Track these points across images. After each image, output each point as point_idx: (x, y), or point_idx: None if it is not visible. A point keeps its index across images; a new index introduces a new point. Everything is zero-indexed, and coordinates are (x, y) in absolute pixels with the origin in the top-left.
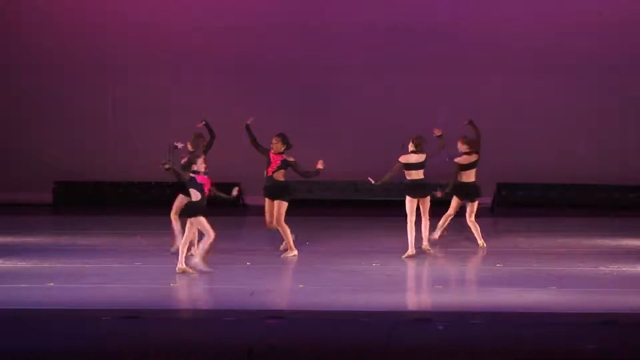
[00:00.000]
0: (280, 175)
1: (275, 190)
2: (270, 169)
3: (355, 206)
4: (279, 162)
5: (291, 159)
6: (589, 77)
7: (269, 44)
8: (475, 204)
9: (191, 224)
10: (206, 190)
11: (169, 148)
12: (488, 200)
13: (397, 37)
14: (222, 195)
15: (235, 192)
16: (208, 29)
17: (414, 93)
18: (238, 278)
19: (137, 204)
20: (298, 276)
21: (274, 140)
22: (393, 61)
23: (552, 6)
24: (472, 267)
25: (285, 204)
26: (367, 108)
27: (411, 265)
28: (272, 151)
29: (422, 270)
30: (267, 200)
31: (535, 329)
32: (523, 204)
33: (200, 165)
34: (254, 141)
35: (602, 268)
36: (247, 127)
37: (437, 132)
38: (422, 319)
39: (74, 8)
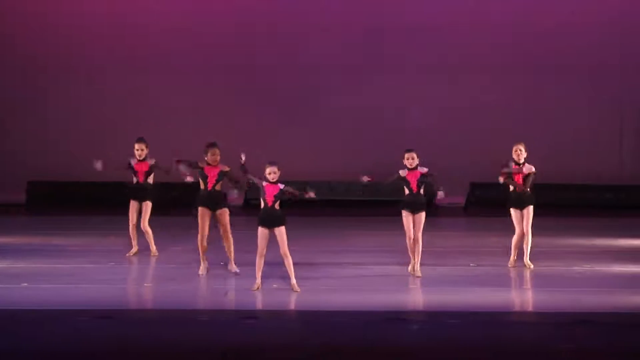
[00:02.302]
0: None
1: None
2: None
3: (330, 206)
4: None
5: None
6: (565, 78)
7: (253, 45)
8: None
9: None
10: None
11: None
12: (461, 199)
13: (380, 38)
14: None
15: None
16: (192, 30)
17: (393, 93)
18: (212, 278)
19: (111, 204)
20: (272, 276)
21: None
22: (376, 62)
23: (535, 5)
24: (446, 266)
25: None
26: (349, 109)
27: (385, 265)
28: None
29: (396, 269)
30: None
31: (510, 328)
32: (496, 204)
33: None
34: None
35: (575, 268)
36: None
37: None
38: (397, 319)
39: (54, 9)
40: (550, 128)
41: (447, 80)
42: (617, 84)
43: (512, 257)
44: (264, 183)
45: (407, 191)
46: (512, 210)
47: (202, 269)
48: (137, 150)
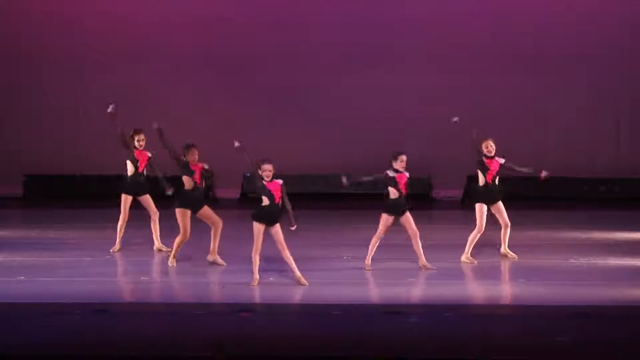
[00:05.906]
0: None
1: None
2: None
3: (326, 199)
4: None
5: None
6: (558, 73)
7: (243, 41)
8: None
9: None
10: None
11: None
12: (458, 193)
13: (378, 31)
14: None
15: None
16: (186, 27)
17: (390, 88)
18: (209, 271)
19: (108, 197)
20: (269, 270)
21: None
22: (374, 57)
23: (525, 2)
24: (443, 260)
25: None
26: (346, 104)
27: (382, 259)
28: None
29: (393, 263)
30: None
31: (506, 321)
32: None
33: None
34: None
35: (572, 261)
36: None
37: None
38: (394, 312)
39: (51, 6)
40: (546, 121)
41: (445, 75)
42: (615, 76)
43: (468, 251)
44: (265, 182)
45: (394, 193)
46: (478, 205)
47: (171, 262)
48: (139, 141)
